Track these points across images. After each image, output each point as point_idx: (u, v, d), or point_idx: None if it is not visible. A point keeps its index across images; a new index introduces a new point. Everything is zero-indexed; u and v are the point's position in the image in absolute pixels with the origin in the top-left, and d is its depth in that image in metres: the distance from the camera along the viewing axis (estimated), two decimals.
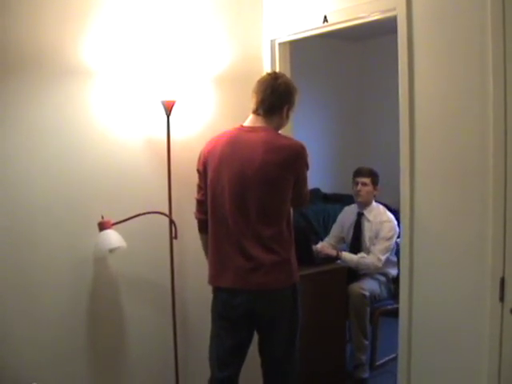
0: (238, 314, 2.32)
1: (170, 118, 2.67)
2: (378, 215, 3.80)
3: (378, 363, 3.76)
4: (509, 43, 1.95)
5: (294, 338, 2.39)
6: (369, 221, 3.82)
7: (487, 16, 2.01)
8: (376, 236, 3.74)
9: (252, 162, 2.25)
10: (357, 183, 3.86)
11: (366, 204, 3.86)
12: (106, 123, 2.63)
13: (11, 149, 2.39)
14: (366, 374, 3.61)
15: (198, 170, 2.47)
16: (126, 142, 2.70)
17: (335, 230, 4.10)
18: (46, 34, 2.43)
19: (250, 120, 2.40)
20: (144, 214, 2.60)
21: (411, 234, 2.38)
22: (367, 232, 3.81)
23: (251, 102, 2.39)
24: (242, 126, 2.40)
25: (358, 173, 3.90)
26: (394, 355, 3.04)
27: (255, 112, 2.37)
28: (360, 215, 3.88)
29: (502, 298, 2.01)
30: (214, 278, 2.38)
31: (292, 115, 2.47)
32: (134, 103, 2.71)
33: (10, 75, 2.36)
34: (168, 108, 2.64)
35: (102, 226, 2.49)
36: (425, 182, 2.33)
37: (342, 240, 4.04)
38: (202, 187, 2.45)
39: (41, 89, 2.44)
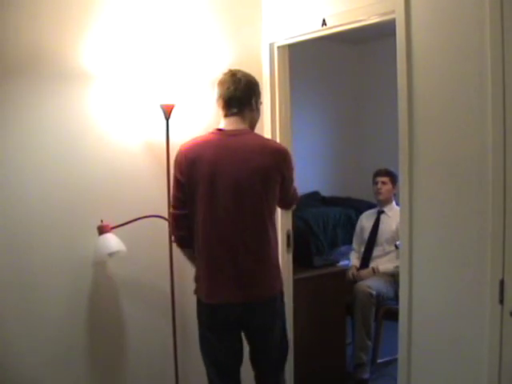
0: (233, 324, 2.33)
1: (169, 121, 2.67)
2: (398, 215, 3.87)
3: (379, 361, 3.77)
4: (507, 45, 1.95)
5: (287, 341, 2.45)
6: (389, 216, 3.97)
7: (486, 18, 2.01)
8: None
9: (248, 166, 2.22)
10: (376, 182, 4.06)
11: (386, 202, 4.03)
12: (105, 127, 2.63)
13: (9, 152, 2.40)
14: (366, 375, 3.62)
15: (177, 180, 2.32)
16: (125, 146, 2.70)
17: (357, 238, 4.24)
18: (45, 38, 2.43)
19: (226, 123, 2.33)
20: (143, 217, 2.60)
21: (410, 237, 2.37)
22: (385, 226, 3.95)
23: (219, 108, 2.35)
24: (219, 129, 2.32)
25: (378, 173, 4.09)
26: (396, 356, 3.03)
27: (227, 114, 2.33)
28: (380, 213, 4.05)
29: (501, 301, 2.00)
30: (209, 295, 2.30)
31: (262, 108, 2.48)
32: (133, 107, 2.71)
33: (8, 78, 2.36)
34: (167, 112, 2.65)
35: (102, 230, 2.49)
36: (424, 185, 2.33)
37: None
38: (182, 199, 2.32)
39: (39, 92, 2.45)
